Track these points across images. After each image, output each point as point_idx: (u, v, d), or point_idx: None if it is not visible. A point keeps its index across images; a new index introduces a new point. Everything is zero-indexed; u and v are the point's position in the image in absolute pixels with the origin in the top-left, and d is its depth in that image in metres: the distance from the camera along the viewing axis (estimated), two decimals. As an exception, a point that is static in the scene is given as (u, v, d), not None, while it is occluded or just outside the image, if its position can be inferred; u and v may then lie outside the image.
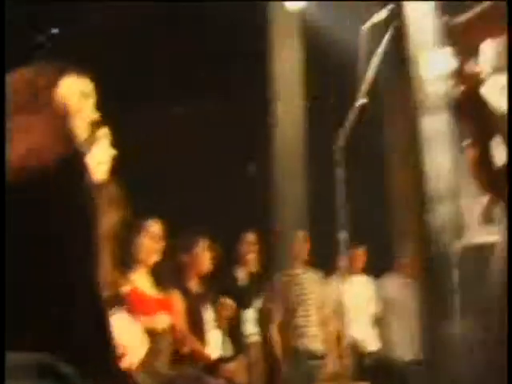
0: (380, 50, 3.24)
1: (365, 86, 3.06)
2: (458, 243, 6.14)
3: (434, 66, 4.20)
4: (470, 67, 3.15)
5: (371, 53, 3.25)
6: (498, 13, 2.78)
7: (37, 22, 6.94)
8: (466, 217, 7.00)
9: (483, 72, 3.01)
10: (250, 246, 5.56)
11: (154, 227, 4.11)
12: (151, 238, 4.04)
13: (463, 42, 3.10)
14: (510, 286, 2.77)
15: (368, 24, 3.27)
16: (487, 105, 2.92)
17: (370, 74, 3.11)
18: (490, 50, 3.03)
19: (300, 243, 5.92)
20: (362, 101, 3.00)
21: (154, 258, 4.03)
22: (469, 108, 3.03)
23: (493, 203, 3.06)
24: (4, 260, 1.64)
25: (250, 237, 5.58)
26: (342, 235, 3.14)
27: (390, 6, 3.25)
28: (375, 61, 3.19)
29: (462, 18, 2.90)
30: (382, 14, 3.29)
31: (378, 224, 7.34)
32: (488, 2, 2.83)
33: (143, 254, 4.01)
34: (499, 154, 2.87)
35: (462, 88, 3.05)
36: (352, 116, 3.02)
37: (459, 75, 3.08)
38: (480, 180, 3.05)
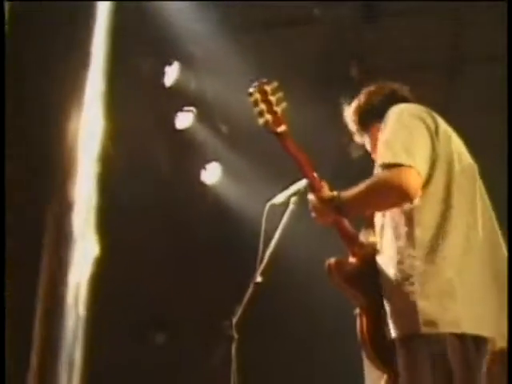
0: (279, 228, 3.21)
1: (263, 265, 3.07)
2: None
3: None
4: (365, 237, 3.22)
5: (273, 231, 3.25)
6: (382, 188, 2.92)
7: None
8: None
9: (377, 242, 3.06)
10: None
11: None
12: None
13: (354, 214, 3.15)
14: (510, 287, 2.74)
15: (272, 201, 3.26)
16: (381, 274, 2.95)
17: (269, 252, 3.12)
18: (379, 221, 3.11)
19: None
20: (258, 279, 3.02)
21: None
22: (362, 276, 3.04)
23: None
24: (4, 261, 1.65)
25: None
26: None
27: (298, 186, 3.24)
28: (274, 240, 3.17)
29: (350, 192, 2.99)
30: (286, 192, 3.26)
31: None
32: (369, 180, 2.95)
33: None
34: (389, 324, 2.86)
35: (356, 257, 3.08)
36: (248, 293, 3.03)
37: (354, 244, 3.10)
38: (368, 351, 2.99)
